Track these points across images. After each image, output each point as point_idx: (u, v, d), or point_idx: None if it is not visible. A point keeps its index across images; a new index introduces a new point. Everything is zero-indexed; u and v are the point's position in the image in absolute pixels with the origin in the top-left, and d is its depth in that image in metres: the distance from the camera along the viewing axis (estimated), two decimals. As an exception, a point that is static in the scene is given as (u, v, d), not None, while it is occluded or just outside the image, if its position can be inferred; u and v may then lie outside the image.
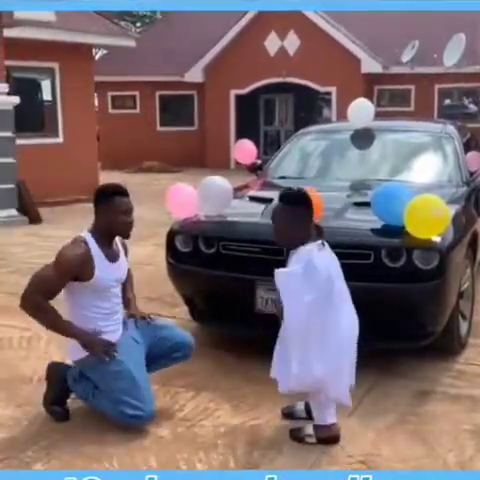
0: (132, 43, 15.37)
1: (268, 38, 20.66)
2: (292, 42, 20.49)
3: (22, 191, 10.87)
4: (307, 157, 6.36)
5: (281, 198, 3.39)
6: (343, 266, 4.12)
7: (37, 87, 13.76)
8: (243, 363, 4.42)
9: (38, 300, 3.52)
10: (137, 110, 22.93)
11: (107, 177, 12.82)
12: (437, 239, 4.13)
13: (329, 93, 20.93)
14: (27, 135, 12.29)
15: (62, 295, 3.65)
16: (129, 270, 3.93)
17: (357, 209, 4.69)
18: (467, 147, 6.06)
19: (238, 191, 5.36)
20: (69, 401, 3.79)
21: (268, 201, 4.68)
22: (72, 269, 3.52)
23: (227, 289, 4.53)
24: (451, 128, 6.27)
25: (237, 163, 7.68)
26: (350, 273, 4.10)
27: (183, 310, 5.19)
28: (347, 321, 3.37)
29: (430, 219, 4.07)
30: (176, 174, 18.58)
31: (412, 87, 20.48)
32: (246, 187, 5.78)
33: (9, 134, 10.67)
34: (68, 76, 13.62)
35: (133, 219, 3.67)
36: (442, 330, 4.35)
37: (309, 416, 3.52)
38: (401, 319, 4.23)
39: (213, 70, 21.26)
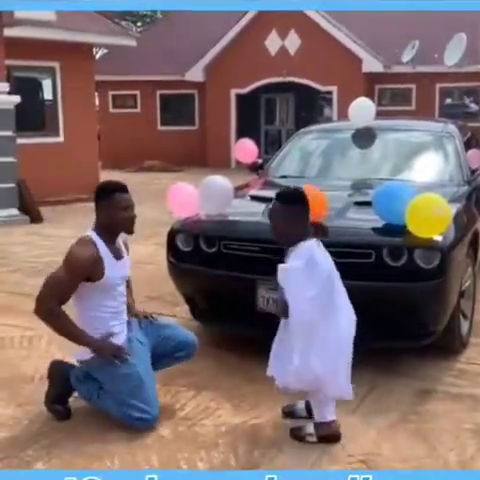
0: (133, 42, 15.38)
1: (269, 37, 20.66)
2: (293, 41, 20.49)
3: (23, 190, 10.87)
4: (308, 156, 6.36)
5: (278, 197, 3.41)
6: (344, 265, 4.12)
7: (38, 86, 13.77)
8: (244, 362, 4.42)
9: (52, 304, 3.49)
10: (138, 109, 22.94)
11: (108, 176, 12.75)
12: (438, 238, 4.13)
13: (330, 92, 20.93)
14: (28, 134, 12.29)
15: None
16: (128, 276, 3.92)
17: (358, 208, 4.69)
18: (468, 146, 6.05)
19: (239, 190, 5.36)
20: (71, 400, 3.79)
21: (269, 200, 4.66)
22: (84, 270, 3.50)
23: (228, 288, 4.53)
24: (452, 127, 6.26)
25: (238, 162, 7.67)
26: (351, 272, 4.11)
27: (184, 309, 5.19)
28: (346, 320, 3.37)
29: (431, 218, 4.07)
30: (177, 173, 18.58)
31: (413, 86, 20.49)
32: (247, 186, 5.78)
33: (10, 133, 10.68)
34: (69, 75, 13.62)
35: (135, 214, 3.66)
36: (443, 329, 4.34)
37: (310, 415, 3.52)
38: (402, 318, 4.23)
39: (214, 69, 21.26)
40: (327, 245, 4.01)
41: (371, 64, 19.80)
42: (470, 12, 17.84)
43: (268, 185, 5.78)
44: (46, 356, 4.53)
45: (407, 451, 3.37)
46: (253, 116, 22.30)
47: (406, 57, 18.69)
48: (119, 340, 3.66)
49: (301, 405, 3.68)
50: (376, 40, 19.94)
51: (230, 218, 4.78)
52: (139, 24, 37.88)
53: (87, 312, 3.62)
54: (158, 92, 22.55)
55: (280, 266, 3.32)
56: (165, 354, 3.85)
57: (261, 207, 4.67)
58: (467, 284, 4.79)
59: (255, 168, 6.53)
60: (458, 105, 20.23)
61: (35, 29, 11.88)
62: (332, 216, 4.42)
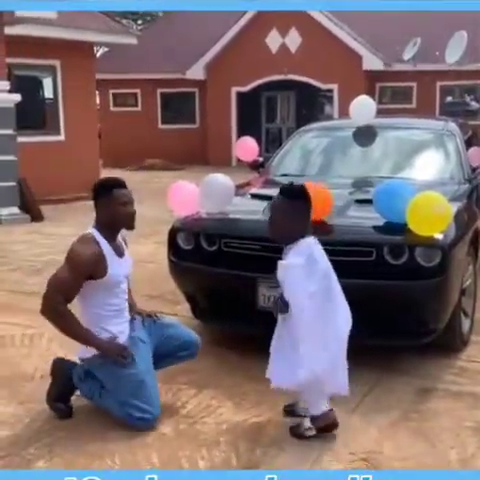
0: (133, 41, 15.37)
1: (269, 35, 20.65)
2: (293, 39, 20.48)
3: (24, 189, 10.88)
4: (309, 154, 6.36)
5: (282, 192, 3.40)
6: (345, 263, 4.12)
7: (38, 85, 13.77)
8: (245, 361, 4.42)
9: (58, 304, 3.48)
10: (138, 108, 22.95)
11: (109, 175, 12.79)
12: (439, 236, 4.13)
13: (331, 90, 20.93)
14: (28, 133, 12.30)
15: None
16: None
17: (359, 206, 4.69)
18: (469, 144, 6.05)
19: (240, 189, 5.36)
20: (73, 398, 3.79)
21: (270, 199, 4.67)
22: (88, 268, 3.50)
23: (229, 286, 4.53)
24: (453, 125, 6.26)
25: (239, 161, 7.67)
26: (352, 270, 4.12)
27: (185, 308, 5.19)
28: (342, 317, 3.38)
29: (432, 216, 4.07)
30: (178, 172, 18.58)
31: (414, 84, 20.49)
32: (248, 185, 5.78)
33: (10, 132, 10.68)
34: (69, 74, 13.62)
35: (135, 210, 3.65)
36: (444, 327, 4.34)
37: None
38: (403, 316, 4.23)
39: (214, 67, 21.26)
40: (328, 243, 4.02)
41: (372, 62, 19.79)
42: (471, 12, 17.82)
43: (269, 183, 5.78)
44: (47, 354, 4.53)
45: (408, 449, 3.37)
46: (254, 114, 22.30)
47: (407, 55, 18.69)
48: (121, 338, 3.65)
49: (303, 404, 3.68)
50: (377, 38, 19.93)
51: (231, 216, 4.78)
52: (140, 22, 37.85)
53: (90, 310, 3.62)
54: (159, 90, 22.55)
55: (280, 263, 3.33)
56: (168, 353, 3.84)
57: (262, 205, 4.67)
58: (468, 282, 4.79)
59: (256, 166, 6.53)
60: (459, 103, 20.22)
61: (36, 27, 11.89)
62: (333, 214, 4.42)
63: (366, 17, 19.94)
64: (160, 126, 22.87)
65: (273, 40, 20.69)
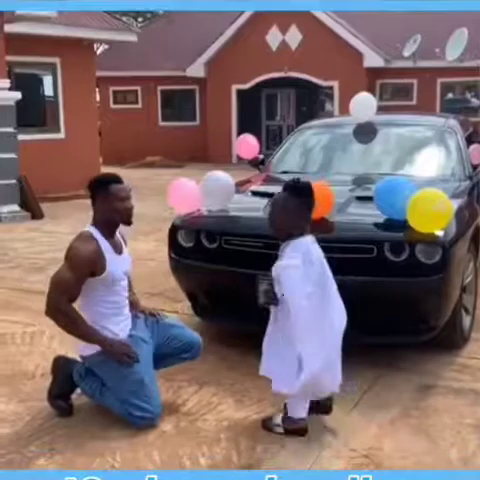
0: (134, 38, 15.36)
1: (270, 33, 20.62)
2: (294, 36, 20.45)
3: (24, 186, 10.87)
4: (309, 151, 6.35)
5: (286, 187, 3.38)
6: (346, 260, 4.12)
7: (38, 82, 13.76)
8: (246, 358, 4.41)
9: (62, 304, 3.47)
10: (139, 105, 22.92)
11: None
12: (440, 233, 4.13)
13: (331, 87, 20.90)
14: (29, 130, 12.30)
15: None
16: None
17: (360, 203, 4.68)
18: (469, 141, 6.04)
19: (240, 186, 5.36)
20: (73, 396, 3.79)
21: (270, 196, 4.67)
22: (88, 266, 3.49)
23: (229, 284, 4.52)
24: (453, 122, 6.24)
25: (239, 158, 7.66)
26: (353, 267, 4.12)
27: (185, 305, 5.19)
28: (338, 316, 3.37)
29: (433, 213, 4.06)
30: (178, 169, 18.57)
31: (414, 81, 20.46)
32: (248, 182, 5.77)
33: (11, 129, 10.67)
34: (69, 71, 13.61)
35: (132, 205, 3.64)
36: (445, 324, 4.34)
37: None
38: (404, 313, 4.23)
39: (215, 65, 21.23)
40: (329, 240, 4.02)
41: (372, 59, 19.77)
42: (471, 12, 17.80)
43: (269, 181, 5.78)
44: (48, 352, 4.54)
45: (409, 446, 3.36)
46: (254, 111, 22.27)
47: (407, 52, 18.65)
48: (121, 336, 3.64)
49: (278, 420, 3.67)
50: (377, 35, 19.90)
51: (231, 214, 4.77)
52: (140, 20, 37.78)
53: (90, 308, 3.61)
54: (159, 88, 22.53)
55: (276, 264, 3.32)
56: (170, 354, 3.83)
57: (262, 202, 4.67)
58: (469, 279, 4.78)
59: (256, 164, 6.52)
60: (459, 100, 20.19)
61: (36, 25, 11.88)
62: (333, 211, 4.41)
63: (366, 14, 19.90)
64: (160, 123, 22.85)
65: (273, 37, 20.66)
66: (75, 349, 3.78)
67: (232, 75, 21.04)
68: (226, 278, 4.52)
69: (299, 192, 3.33)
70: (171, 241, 4.82)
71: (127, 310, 3.77)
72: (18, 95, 10.75)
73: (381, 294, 4.16)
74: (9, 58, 10.97)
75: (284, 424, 3.46)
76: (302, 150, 6.37)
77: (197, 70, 21.36)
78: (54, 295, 3.49)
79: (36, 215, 10.75)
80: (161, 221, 8.85)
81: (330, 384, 3.43)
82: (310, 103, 22.61)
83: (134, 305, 3.87)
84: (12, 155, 10.67)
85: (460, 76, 19.28)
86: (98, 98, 20.38)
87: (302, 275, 3.25)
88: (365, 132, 6.11)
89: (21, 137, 11.14)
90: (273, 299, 3.34)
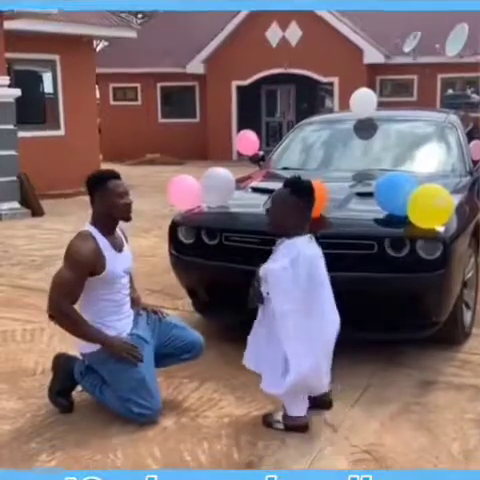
0: (133, 34, 15.33)
1: (270, 29, 20.58)
2: (294, 33, 20.41)
3: (24, 184, 10.86)
4: (309, 148, 6.34)
5: (287, 184, 3.37)
6: (346, 256, 4.12)
7: (38, 79, 13.74)
8: (246, 354, 4.41)
9: (64, 305, 3.46)
10: (139, 102, 22.88)
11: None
12: (440, 229, 4.12)
13: (331, 83, 20.86)
14: (29, 128, 12.27)
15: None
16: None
17: (360, 199, 4.67)
18: (470, 136, 6.03)
19: (240, 182, 5.35)
20: (74, 393, 3.79)
21: (271, 192, 4.65)
22: (88, 266, 3.48)
23: (230, 280, 4.52)
24: (454, 117, 6.24)
25: (239, 154, 7.65)
26: (353, 263, 4.11)
27: (186, 302, 5.18)
28: (328, 319, 3.35)
29: (433, 209, 4.05)
30: (178, 166, 18.55)
31: (414, 77, 20.43)
32: (248, 178, 5.76)
33: (11, 127, 10.66)
34: (69, 68, 13.59)
35: (131, 201, 3.62)
36: (446, 320, 4.33)
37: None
38: (405, 309, 4.22)
39: (214, 61, 21.19)
40: (329, 237, 4.02)
41: (372, 55, 19.74)
42: (471, 12, 17.75)
43: (269, 177, 5.77)
44: (48, 349, 4.54)
45: (410, 442, 3.36)
46: (254, 108, 22.25)
47: (407, 48, 18.63)
48: (121, 334, 3.63)
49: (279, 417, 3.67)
50: (377, 31, 19.86)
51: (232, 210, 4.76)
52: (140, 16, 37.75)
53: (91, 306, 3.60)
54: (159, 84, 22.49)
55: (263, 267, 3.31)
56: (171, 354, 3.82)
57: (263, 199, 4.66)
58: (470, 274, 4.78)
59: (256, 160, 6.51)
60: (460, 95, 20.13)
61: (35, 22, 11.84)
62: (334, 207, 4.40)
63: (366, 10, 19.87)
64: (160, 120, 22.82)
65: (273, 33, 20.62)
66: (75, 347, 3.78)
67: (232, 71, 21.00)
68: (226, 274, 4.52)
69: (300, 190, 3.32)
70: (171, 238, 4.81)
71: (128, 308, 3.75)
72: (18, 92, 10.74)
73: (382, 290, 4.16)
74: (9, 55, 10.96)
75: (285, 421, 3.46)
76: (302, 146, 6.36)
77: (197, 67, 21.32)
78: (55, 297, 3.48)
79: (36, 212, 10.75)
80: (161, 218, 8.86)
81: (318, 386, 3.42)
82: (310, 99, 22.59)
83: (136, 302, 3.86)
84: (12, 152, 10.66)
85: (460, 72, 19.26)
86: (98, 95, 20.35)
87: (290, 278, 3.23)
88: (365, 128, 6.10)
89: (21, 134, 11.13)
90: (259, 298, 3.34)
